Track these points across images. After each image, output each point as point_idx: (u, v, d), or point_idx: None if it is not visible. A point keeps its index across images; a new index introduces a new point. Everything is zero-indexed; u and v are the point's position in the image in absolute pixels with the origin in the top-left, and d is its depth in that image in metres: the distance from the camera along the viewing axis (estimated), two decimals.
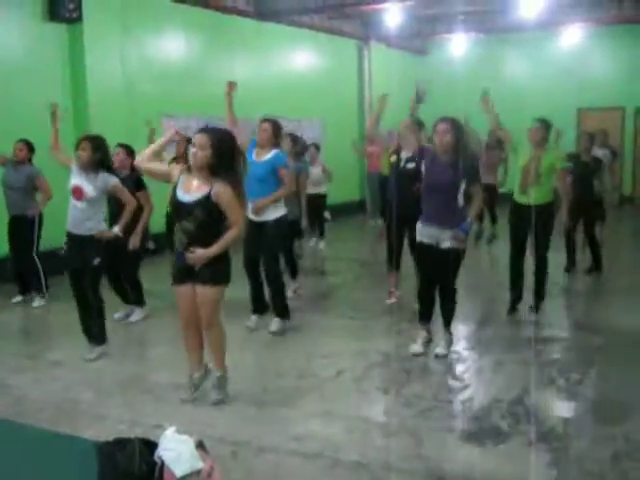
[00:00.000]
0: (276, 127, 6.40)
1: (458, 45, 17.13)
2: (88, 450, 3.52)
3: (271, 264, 6.34)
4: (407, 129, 6.85)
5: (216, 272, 4.56)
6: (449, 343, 5.75)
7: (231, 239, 4.54)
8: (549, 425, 4.40)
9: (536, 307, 6.69)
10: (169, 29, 11.59)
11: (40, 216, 7.77)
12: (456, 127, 5.41)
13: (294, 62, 14.55)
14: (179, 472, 2.95)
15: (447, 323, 5.75)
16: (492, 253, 10.82)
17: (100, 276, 5.86)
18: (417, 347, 5.76)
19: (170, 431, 3.16)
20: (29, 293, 7.88)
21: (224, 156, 4.45)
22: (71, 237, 5.78)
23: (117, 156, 6.67)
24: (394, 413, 4.71)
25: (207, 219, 4.45)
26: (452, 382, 5.22)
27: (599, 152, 9.70)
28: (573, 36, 16.05)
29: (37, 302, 7.68)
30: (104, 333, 5.87)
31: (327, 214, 12.31)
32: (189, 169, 4.53)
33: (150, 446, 3.14)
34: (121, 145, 6.96)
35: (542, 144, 6.57)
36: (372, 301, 7.70)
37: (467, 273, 9.50)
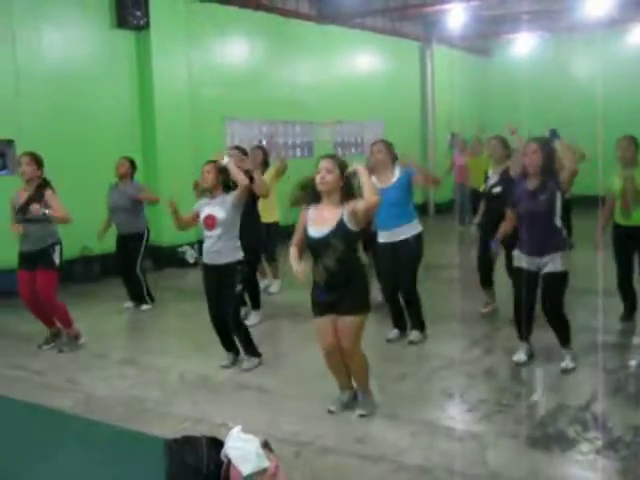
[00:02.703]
0: (389, 145, 6.23)
1: (523, 45, 16.89)
2: (156, 447, 3.59)
3: (409, 281, 6.27)
4: (494, 149, 6.86)
5: (357, 302, 4.51)
6: (574, 357, 5.49)
7: (369, 185, 4.43)
8: (618, 433, 4.28)
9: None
10: (233, 35, 11.78)
11: (147, 232, 7.88)
12: (545, 147, 5.29)
13: (356, 65, 14.57)
14: (245, 470, 2.98)
15: (564, 342, 5.49)
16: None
17: (240, 301, 5.82)
18: (521, 356, 5.61)
19: (236, 430, 3.19)
20: (137, 301, 8.05)
21: (350, 179, 4.53)
22: (209, 268, 5.66)
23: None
24: (458, 417, 4.67)
25: (344, 247, 4.41)
26: (517, 387, 5.14)
27: None
28: None
29: (145, 307, 7.87)
30: (255, 347, 5.77)
31: None
32: (316, 198, 4.55)
33: (217, 444, 3.19)
34: (237, 147, 7.15)
35: (632, 161, 6.38)
36: (436, 305, 7.64)
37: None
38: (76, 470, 3.75)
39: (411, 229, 6.17)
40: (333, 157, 4.63)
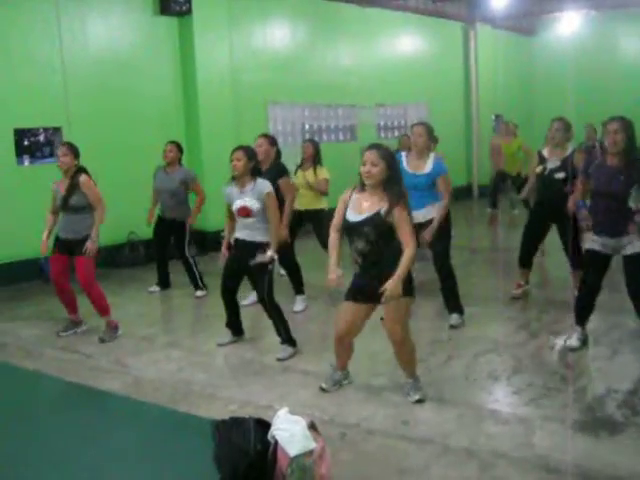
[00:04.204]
0: (430, 130, 6.17)
1: (568, 23, 16.46)
2: (204, 428, 3.67)
3: (444, 261, 6.23)
4: (556, 132, 6.66)
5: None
6: None
7: (409, 260, 4.31)
8: None
9: None
10: (275, 18, 11.76)
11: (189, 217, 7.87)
12: (627, 126, 5.09)
13: (399, 47, 14.44)
14: (292, 452, 3.02)
15: None
16: None
17: (272, 279, 5.68)
18: (574, 341, 5.51)
19: (283, 412, 3.24)
20: (167, 288, 8.16)
21: (395, 169, 4.45)
22: (241, 244, 5.66)
23: (260, 147, 6.45)
24: (504, 401, 4.64)
25: (376, 237, 4.35)
26: (564, 371, 5.09)
27: None
28: None
29: (199, 293, 7.87)
30: (290, 334, 5.69)
31: None
32: (362, 187, 4.48)
33: (264, 426, 3.24)
34: (264, 135, 6.94)
35: None
36: (481, 288, 7.61)
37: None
38: (126, 449, 3.85)
39: (436, 210, 6.13)
40: (378, 148, 4.45)
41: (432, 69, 15.03)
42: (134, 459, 3.73)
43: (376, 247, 4.38)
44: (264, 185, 5.57)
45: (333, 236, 4.63)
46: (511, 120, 12.88)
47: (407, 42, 14.66)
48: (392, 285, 4.28)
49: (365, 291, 4.48)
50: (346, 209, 4.52)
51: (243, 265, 5.65)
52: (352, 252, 4.50)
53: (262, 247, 5.54)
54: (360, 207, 4.45)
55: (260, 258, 5.50)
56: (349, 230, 4.48)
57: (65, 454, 3.81)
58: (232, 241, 5.82)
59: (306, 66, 12.24)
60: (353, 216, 4.45)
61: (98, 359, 5.78)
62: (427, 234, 6.03)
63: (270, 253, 5.52)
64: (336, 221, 4.62)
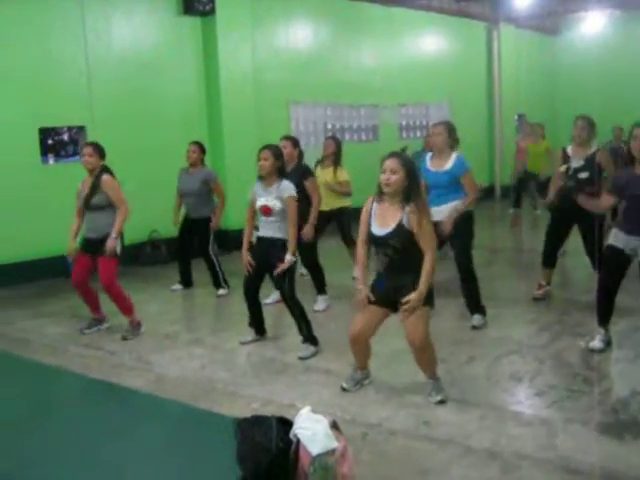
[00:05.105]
0: (450, 129, 6.11)
1: (593, 23, 16.33)
2: (226, 426, 3.68)
3: (462, 259, 6.15)
4: (581, 130, 6.63)
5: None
6: None
7: (430, 271, 4.36)
8: None
9: None
10: (298, 18, 11.79)
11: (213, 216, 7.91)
12: None
13: (422, 46, 14.41)
14: (314, 450, 3.02)
15: None
16: None
17: (294, 275, 5.72)
18: (597, 343, 5.45)
19: (305, 410, 3.24)
20: (189, 286, 8.22)
21: (415, 178, 4.46)
22: (261, 240, 5.72)
23: (284, 149, 6.32)
24: (527, 402, 4.62)
25: (403, 246, 4.39)
26: (587, 373, 5.05)
27: None
28: None
29: (221, 291, 7.91)
30: (312, 333, 5.71)
31: None
32: (380, 195, 4.49)
33: (286, 424, 3.24)
34: (287, 138, 6.92)
35: None
36: (503, 289, 7.57)
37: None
38: (148, 446, 3.87)
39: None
40: (399, 156, 4.49)
41: (455, 69, 14.97)
42: (156, 456, 3.74)
43: (403, 255, 4.41)
44: (287, 187, 5.58)
45: (360, 252, 4.64)
46: (537, 121, 12.75)
47: (430, 42, 14.62)
48: (415, 299, 4.34)
49: (388, 297, 4.51)
50: (370, 220, 4.53)
51: (265, 262, 5.67)
52: (378, 258, 4.54)
53: (282, 247, 5.55)
54: (383, 220, 4.46)
55: (281, 267, 5.51)
56: (376, 243, 4.51)
57: (87, 450, 3.83)
58: (254, 240, 5.87)
59: (329, 66, 12.25)
60: (378, 230, 4.47)
61: (121, 356, 5.83)
62: (445, 225, 5.95)
63: (288, 258, 5.51)
64: (362, 235, 4.62)
